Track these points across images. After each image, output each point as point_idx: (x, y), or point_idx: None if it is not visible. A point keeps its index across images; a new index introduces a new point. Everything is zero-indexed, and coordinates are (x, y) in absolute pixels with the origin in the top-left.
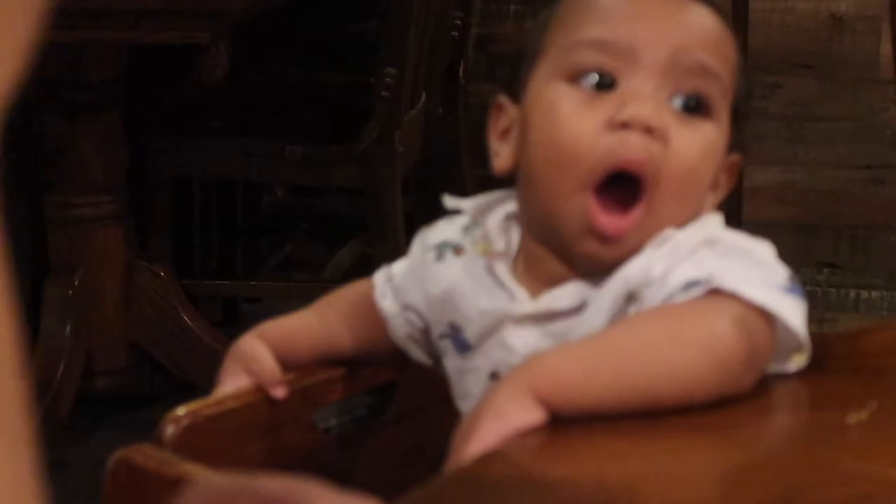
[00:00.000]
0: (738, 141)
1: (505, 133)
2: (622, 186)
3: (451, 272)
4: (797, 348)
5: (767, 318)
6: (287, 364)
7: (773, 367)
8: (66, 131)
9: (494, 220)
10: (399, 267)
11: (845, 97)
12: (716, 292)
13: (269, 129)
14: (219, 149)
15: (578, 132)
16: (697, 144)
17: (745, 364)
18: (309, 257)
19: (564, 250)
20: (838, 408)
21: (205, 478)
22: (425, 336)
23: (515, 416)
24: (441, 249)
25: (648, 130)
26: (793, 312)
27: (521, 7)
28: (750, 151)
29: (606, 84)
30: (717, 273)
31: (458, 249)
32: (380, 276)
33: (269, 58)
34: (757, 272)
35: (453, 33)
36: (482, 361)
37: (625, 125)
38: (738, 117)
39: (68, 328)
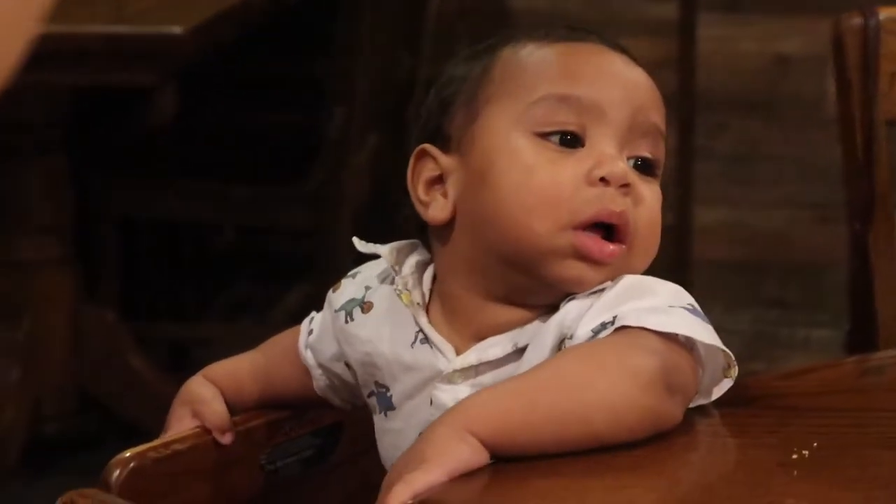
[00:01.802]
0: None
1: (432, 183)
2: (600, 231)
3: (365, 331)
4: (726, 365)
5: (682, 343)
6: (235, 404)
7: (709, 389)
8: (11, 174)
9: (408, 268)
10: (316, 323)
11: (792, 137)
12: (624, 329)
13: (216, 169)
14: (166, 190)
15: (559, 180)
16: (655, 199)
17: (668, 387)
18: (257, 299)
19: (526, 281)
20: (780, 446)
21: None
22: (344, 387)
23: (461, 454)
24: (348, 309)
25: (624, 187)
26: (702, 330)
27: (471, 50)
28: (697, 191)
29: (573, 141)
30: (620, 313)
31: (364, 306)
32: (304, 325)
33: (218, 98)
34: (658, 302)
35: (402, 74)
36: (406, 422)
37: (603, 181)
38: None
39: (16, 373)
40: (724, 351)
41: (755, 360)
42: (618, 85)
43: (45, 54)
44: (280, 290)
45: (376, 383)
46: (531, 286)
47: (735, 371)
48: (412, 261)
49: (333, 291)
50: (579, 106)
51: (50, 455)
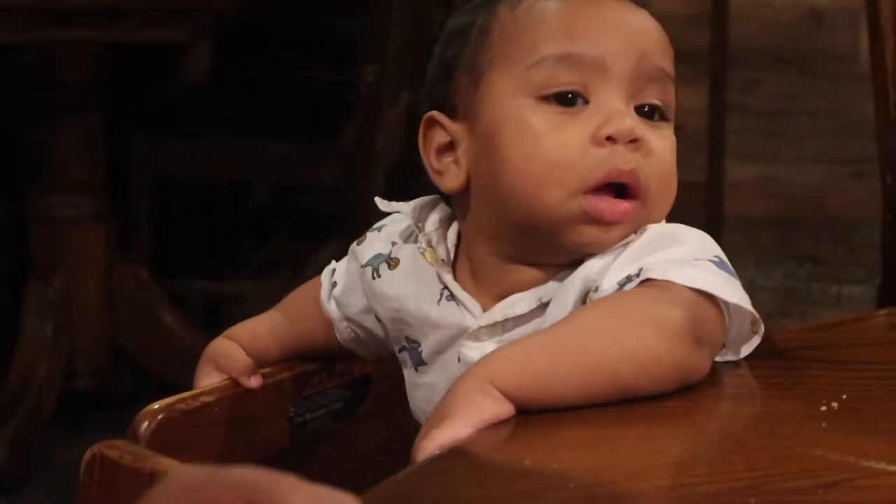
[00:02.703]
0: None
1: (443, 150)
2: (611, 190)
3: (393, 288)
4: (752, 325)
5: (708, 295)
6: (259, 363)
7: (737, 344)
8: (47, 132)
9: (431, 225)
10: (340, 275)
11: (825, 91)
12: (650, 282)
13: (250, 127)
14: (200, 148)
15: (565, 146)
16: (667, 147)
17: (695, 339)
18: (291, 256)
19: (543, 246)
20: (809, 397)
21: (176, 469)
22: (370, 339)
23: (486, 406)
24: (374, 265)
25: (633, 143)
26: (726, 286)
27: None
28: (730, 147)
29: (574, 99)
30: (645, 265)
31: (391, 262)
32: (325, 276)
33: (251, 56)
34: (684, 254)
35: (435, 31)
36: (437, 376)
37: (610, 139)
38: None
39: (49, 329)
40: (746, 308)
41: (787, 315)
42: (619, 35)
43: (79, 12)
44: (313, 246)
45: (407, 339)
46: (549, 250)
47: (762, 327)
48: (434, 217)
49: (358, 244)
50: (580, 63)
51: (83, 410)
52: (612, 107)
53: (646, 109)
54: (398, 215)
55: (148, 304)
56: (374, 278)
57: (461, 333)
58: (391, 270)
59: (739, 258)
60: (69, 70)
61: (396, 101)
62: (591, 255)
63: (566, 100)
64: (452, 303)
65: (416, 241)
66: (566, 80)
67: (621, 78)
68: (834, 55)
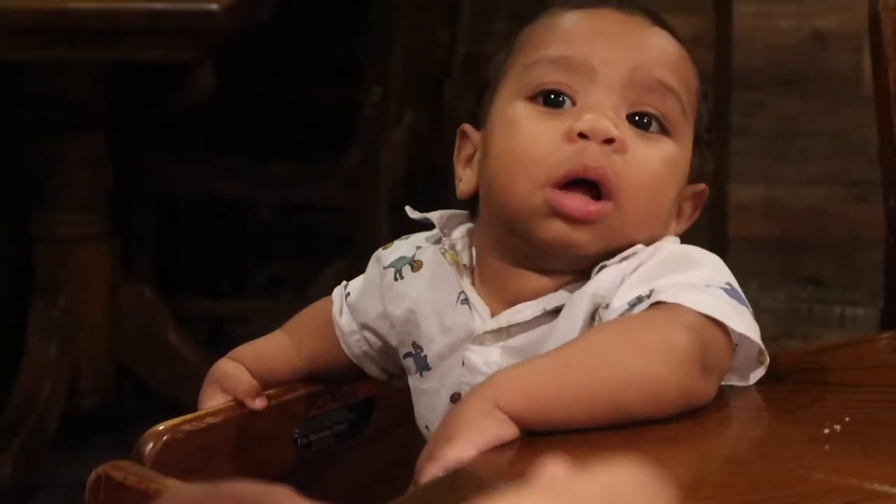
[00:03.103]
0: (704, 170)
1: (469, 159)
2: (585, 190)
3: (413, 290)
4: (759, 354)
5: (716, 322)
6: (264, 385)
7: (745, 370)
8: (51, 150)
9: (458, 233)
10: (355, 285)
11: (828, 114)
12: (660, 304)
13: (254, 147)
14: (204, 166)
15: (537, 139)
16: (656, 156)
17: (702, 365)
18: (295, 276)
19: (530, 247)
20: (812, 420)
21: (174, 487)
22: (382, 353)
23: (490, 428)
24: (398, 267)
25: (607, 142)
26: (736, 316)
27: (509, 26)
28: (734, 169)
29: (562, 101)
30: (657, 287)
31: (414, 264)
32: (337, 293)
33: (255, 75)
34: (695, 279)
35: (440, 52)
36: (440, 382)
37: (583, 136)
38: (702, 144)
39: (53, 348)
40: (753, 340)
41: (790, 337)
42: (613, 44)
43: (84, 30)
44: (317, 266)
45: (413, 343)
46: (534, 252)
47: (767, 358)
48: (462, 228)
49: (384, 249)
50: (568, 66)
51: (86, 430)
52: (594, 105)
53: (639, 119)
54: (426, 232)
55: (152, 322)
56: (396, 279)
57: (468, 338)
58: (414, 272)
59: (742, 280)
60: (73, 88)
61: (401, 121)
62: (600, 266)
63: (551, 100)
64: (465, 307)
65: (440, 244)
66: (553, 79)
67: (611, 83)
68: (837, 78)
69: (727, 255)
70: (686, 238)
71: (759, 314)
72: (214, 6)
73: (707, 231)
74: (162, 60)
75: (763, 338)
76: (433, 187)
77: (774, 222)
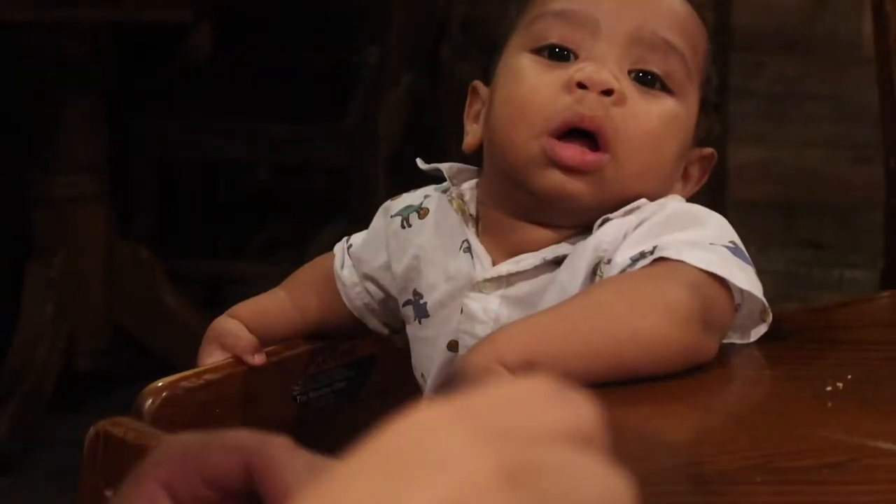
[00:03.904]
0: (712, 134)
1: (477, 115)
2: (584, 141)
3: (419, 237)
4: (762, 312)
5: (719, 280)
6: (263, 342)
7: (746, 328)
8: (50, 111)
9: (467, 185)
10: (357, 237)
11: (829, 76)
12: (663, 260)
13: (252, 108)
14: (202, 129)
15: (536, 89)
16: (656, 112)
17: (704, 323)
18: (292, 237)
19: (531, 198)
20: (814, 378)
21: (171, 437)
22: (383, 305)
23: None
24: (405, 215)
25: (606, 93)
26: (740, 273)
27: None
28: (733, 130)
29: (566, 55)
30: (660, 244)
31: (421, 211)
32: (339, 247)
33: (253, 38)
34: (699, 237)
35: (437, 13)
36: (438, 330)
37: (581, 86)
38: (709, 107)
39: (50, 309)
40: (757, 296)
41: (790, 300)
42: (618, 0)
43: None
44: (315, 227)
45: (414, 291)
46: (535, 203)
47: (770, 316)
48: (472, 182)
49: (392, 200)
50: (573, 20)
51: (83, 390)
52: (596, 58)
53: (643, 76)
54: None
55: (149, 284)
56: (403, 227)
57: (468, 286)
58: (421, 220)
59: (742, 242)
60: (71, 50)
61: (398, 82)
62: (603, 219)
63: (556, 54)
64: (468, 255)
65: (448, 193)
66: (558, 34)
67: (614, 38)
68: (838, 40)
69: (726, 217)
70: (685, 199)
71: (758, 276)
72: None
73: (706, 193)
74: (161, 20)
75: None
76: (431, 148)
77: (773, 184)
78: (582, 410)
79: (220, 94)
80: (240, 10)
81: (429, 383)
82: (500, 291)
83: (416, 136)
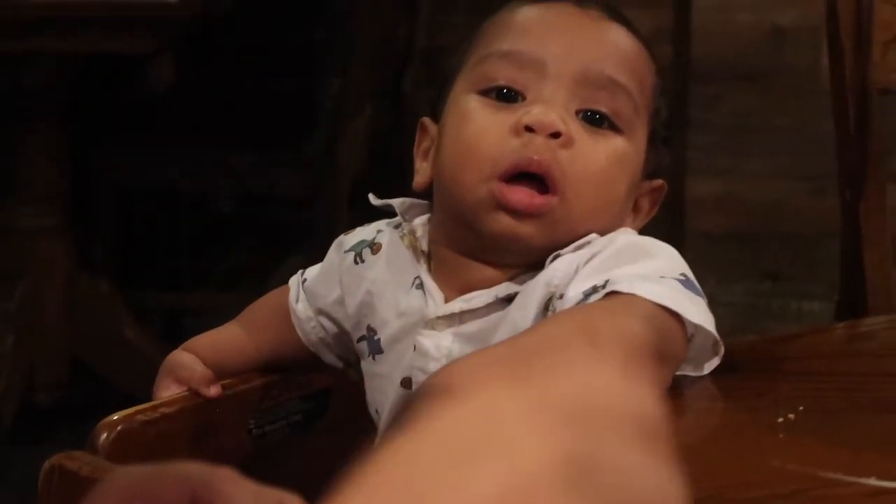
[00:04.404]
0: (662, 166)
1: (426, 152)
2: (532, 184)
3: (372, 272)
4: (714, 345)
5: (672, 313)
6: (218, 375)
7: (700, 361)
8: (9, 140)
9: (419, 221)
10: (312, 271)
11: (787, 108)
12: (616, 294)
13: (214, 137)
14: (164, 158)
15: (483, 131)
16: (605, 152)
17: (658, 357)
18: (255, 267)
19: (480, 240)
20: (767, 409)
21: (119, 469)
22: (337, 340)
23: None
24: (358, 250)
25: (554, 135)
26: (691, 306)
27: (468, 18)
28: (692, 162)
29: (514, 96)
30: (612, 277)
31: (374, 246)
32: (294, 280)
33: (215, 66)
34: (650, 270)
35: (399, 43)
36: (392, 366)
37: (529, 129)
38: (658, 141)
39: (10, 341)
40: (708, 330)
41: (748, 331)
42: (564, 40)
43: (43, 21)
44: (277, 257)
45: (368, 327)
46: (484, 244)
47: (722, 348)
48: (424, 217)
49: (345, 235)
50: (520, 61)
51: (42, 424)
52: (543, 100)
53: (591, 115)
54: (389, 218)
55: (109, 316)
56: (356, 262)
57: (421, 323)
58: (374, 255)
59: (700, 274)
60: (33, 79)
61: (360, 112)
62: (554, 255)
63: (504, 95)
64: (420, 291)
65: (400, 229)
66: (505, 75)
67: (561, 79)
68: (795, 72)
69: (684, 249)
70: (643, 231)
71: (716, 308)
72: None
73: (664, 224)
74: (122, 51)
75: (720, 332)
76: (392, 179)
77: (732, 216)
78: (650, 401)
79: (181, 123)
80: (201, 39)
81: (383, 419)
82: (453, 329)
83: (378, 166)
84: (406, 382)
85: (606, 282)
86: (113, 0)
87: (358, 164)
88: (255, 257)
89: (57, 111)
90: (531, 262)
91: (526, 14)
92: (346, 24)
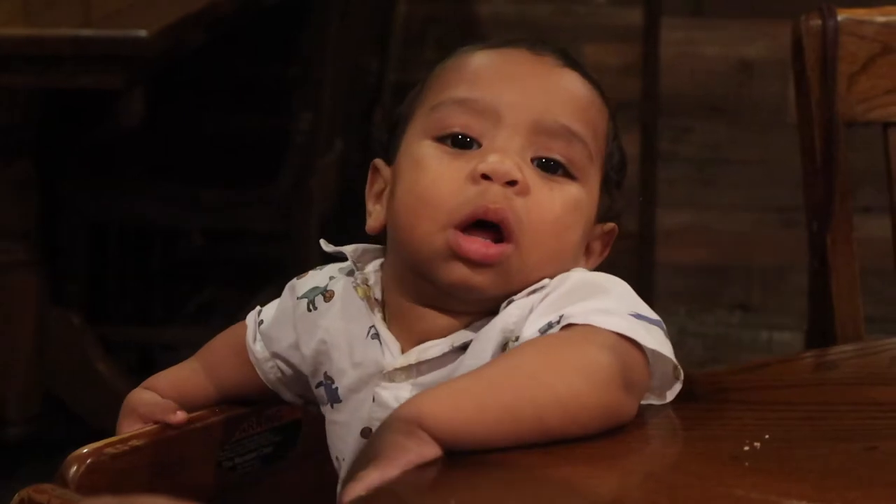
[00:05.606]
0: (614, 210)
1: (379, 195)
2: (488, 232)
3: (326, 320)
4: (674, 370)
5: (631, 342)
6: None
7: (662, 389)
8: None
9: (371, 267)
10: (268, 312)
11: (755, 141)
12: (573, 326)
13: (185, 173)
14: (135, 194)
15: (440, 180)
16: (560, 199)
17: (623, 384)
18: (226, 303)
19: (435, 288)
20: (732, 438)
21: (87, 500)
22: (295, 380)
23: (413, 448)
24: (310, 297)
25: (510, 183)
26: (647, 335)
27: (438, 54)
28: (661, 195)
29: (470, 142)
30: (566, 313)
31: (326, 294)
32: (251, 319)
33: (186, 103)
34: (604, 304)
35: (370, 79)
36: (351, 415)
37: (486, 177)
38: (611, 185)
39: None
40: (666, 356)
41: (718, 362)
42: (520, 87)
43: (12, 57)
44: (248, 293)
45: (325, 374)
46: (439, 292)
47: (682, 373)
48: (376, 263)
49: (298, 279)
50: (475, 109)
51: (13, 458)
52: (498, 147)
53: (545, 163)
54: (342, 263)
55: (80, 351)
56: (309, 310)
57: (378, 373)
58: (327, 302)
59: (671, 306)
60: (3, 115)
61: (331, 148)
62: (508, 301)
63: (459, 142)
64: (376, 342)
65: (353, 277)
66: (460, 122)
67: (517, 127)
68: (763, 105)
69: (655, 281)
70: (614, 264)
71: (687, 339)
72: (143, 32)
73: (635, 256)
74: (92, 87)
75: (690, 363)
76: (363, 214)
77: (702, 248)
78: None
79: (151, 158)
80: (173, 75)
81: (343, 468)
82: (412, 380)
83: (349, 201)
84: (366, 433)
85: (561, 317)
86: (83, 36)
87: (328, 200)
88: (226, 292)
89: (27, 146)
90: (486, 309)
91: (480, 60)
92: (316, 60)
